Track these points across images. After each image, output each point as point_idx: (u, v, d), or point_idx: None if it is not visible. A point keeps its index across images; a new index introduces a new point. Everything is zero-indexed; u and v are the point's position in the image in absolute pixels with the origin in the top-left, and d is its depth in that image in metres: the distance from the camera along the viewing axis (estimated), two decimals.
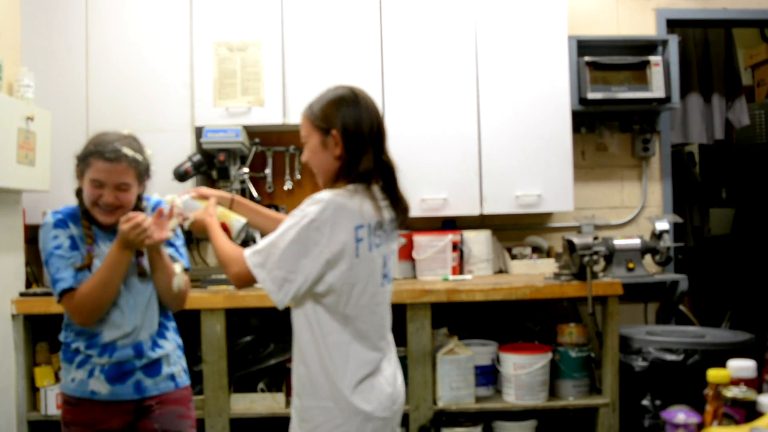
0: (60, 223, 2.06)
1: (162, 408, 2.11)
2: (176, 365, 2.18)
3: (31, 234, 3.37)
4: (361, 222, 1.79)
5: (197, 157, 3.38)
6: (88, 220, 2.08)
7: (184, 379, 2.20)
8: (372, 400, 1.84)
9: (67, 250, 2.02)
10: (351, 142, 1.83)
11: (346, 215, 1.77)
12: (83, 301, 1.98)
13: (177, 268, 2.10)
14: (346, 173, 1.83)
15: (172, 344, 2.18)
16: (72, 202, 2.14)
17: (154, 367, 2.10)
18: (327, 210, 1.75)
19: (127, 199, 2.05)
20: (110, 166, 1.99)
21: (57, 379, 3.21)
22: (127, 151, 2.02)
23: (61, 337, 2.13)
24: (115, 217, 2.04)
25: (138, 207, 2.13)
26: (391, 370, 1.94)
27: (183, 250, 2.23)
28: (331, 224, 1.75)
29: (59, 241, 2.03)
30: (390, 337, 1.99)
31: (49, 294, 3.11)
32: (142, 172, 2.09)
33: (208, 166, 3.46)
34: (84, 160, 2.02)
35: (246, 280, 1.81)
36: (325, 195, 1.78)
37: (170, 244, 2.19)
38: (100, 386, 2.04)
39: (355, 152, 1.83)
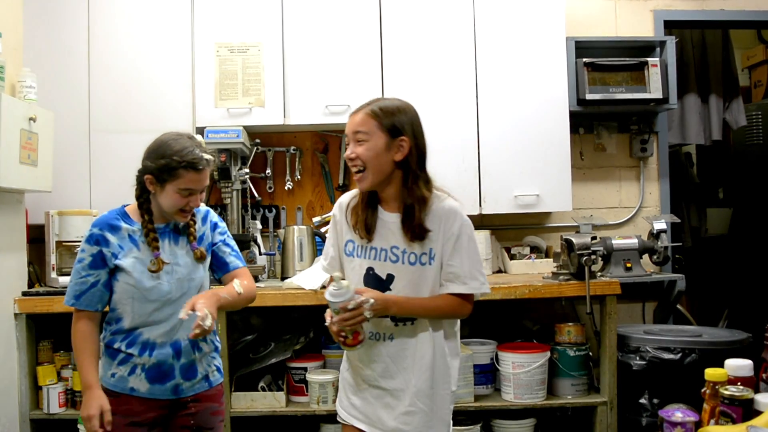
0: (91, 240, 2.08)
1: (197, 405, 2.17)
2: (210, 365, 2.22)
3: (34, 234, 3.39)
4: None
5: None
6: (151, 222, 2.12)
7: (218, 378, 2.25)
8: None
9: (85, 267, 2.07)
10: (420, 151, 1.99)
11: None
12: (72, 331, 2.11)
13: (235, 286, 2.19)
14: (414, 177, 1.99)
15: (210, 346, 2.21)
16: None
17: (190, 370, 2.14)
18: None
19: (203, 197, 2.17)
20: (200, 176, 2.08)
21: (59, 378, 3.23)
22: (208, 156, 2.10)
23: (101, 337, 2.15)
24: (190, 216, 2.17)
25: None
26: None
27: (236, 247, 2.31)
28: None
29: (83, 255, 2.08)
30: None
31: (50, 294, 3.14)
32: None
33: None
34: (170, 172, 2.04)
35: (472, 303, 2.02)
36: (454, 204, 2.02)
37: (226, 244, 2.27)
38: (139, 384, 2.09)
39: (422, 160, 2.02)
